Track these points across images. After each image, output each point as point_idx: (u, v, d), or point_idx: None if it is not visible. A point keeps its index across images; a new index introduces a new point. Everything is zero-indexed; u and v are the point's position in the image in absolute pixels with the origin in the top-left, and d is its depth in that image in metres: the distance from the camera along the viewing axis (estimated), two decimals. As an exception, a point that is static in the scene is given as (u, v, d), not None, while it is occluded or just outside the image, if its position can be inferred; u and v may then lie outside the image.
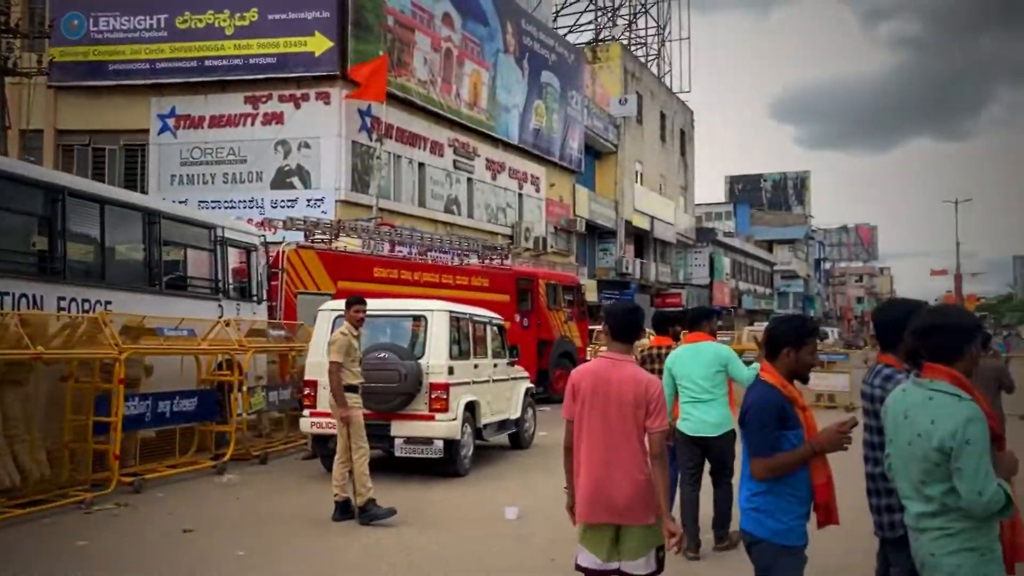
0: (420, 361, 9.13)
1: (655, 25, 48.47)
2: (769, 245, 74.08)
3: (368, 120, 21.84)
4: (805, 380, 3.73)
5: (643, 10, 47.89)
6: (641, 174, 42.26)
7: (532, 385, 12.46)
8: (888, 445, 3.20)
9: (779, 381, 3.63)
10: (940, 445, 2.90)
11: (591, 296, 35.44)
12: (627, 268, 38.95)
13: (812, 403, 18.22)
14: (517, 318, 18.09)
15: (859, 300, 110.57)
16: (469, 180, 26.89)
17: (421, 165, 24.42)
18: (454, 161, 25.96)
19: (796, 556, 3.54)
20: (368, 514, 7.28)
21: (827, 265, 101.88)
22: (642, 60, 45.34)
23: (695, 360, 6.49)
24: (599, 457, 3.92)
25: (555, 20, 44.63)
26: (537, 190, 31.33)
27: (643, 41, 48.29)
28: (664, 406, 4.05)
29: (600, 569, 3.93)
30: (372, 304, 9.08)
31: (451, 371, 9.30)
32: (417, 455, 9.23)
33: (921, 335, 3.11)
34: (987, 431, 2.94)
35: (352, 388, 7.42)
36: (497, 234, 27.68)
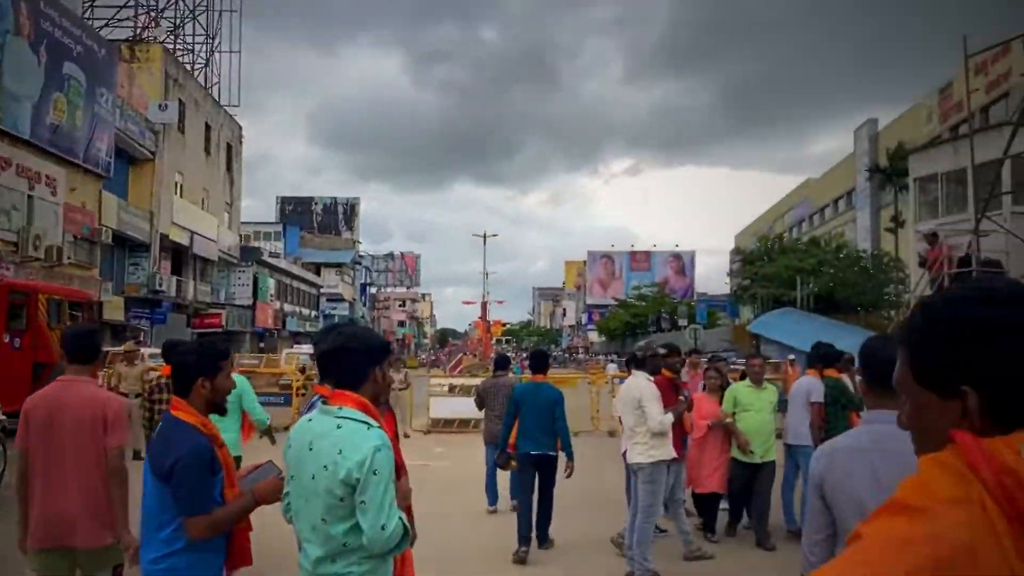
0: None
1: (204, 34, 46.41)
2: (317, 268, 74.90)
3: None
4: (223, 412, 3.32)
5: (191, 16, 45.59)
6: (181, 186, 39.91)
7: (4, 417, 10.67)
8: (289, 482, 2.90)
9: (199, 420, 3.21)
10: (347, 477, 2.70)
11: (118, 315, 32.46)
12: (161, 285, 36.35)
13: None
14: (7, 338, 15.65)
15: (401, 324, 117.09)
16: (-38, 175, 22.93)
17: None
18: (-59, 151, 21.95)
19: None
20: None
21: (373, 290, 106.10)
22: (188, 68, 43.03)
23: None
24: (54, 483, 3.88)
25: (90, 11, 40.58)
26: (53, 193, 27.76)
27: (190, 48, 45.94)
28: (123, 423, 4.05)
29: None
30: None
31: None
32: None
33: (325, 358, 2.88)
34: (392, 460, 2.80)
35: None
36: (-2, 240, 23.97)
